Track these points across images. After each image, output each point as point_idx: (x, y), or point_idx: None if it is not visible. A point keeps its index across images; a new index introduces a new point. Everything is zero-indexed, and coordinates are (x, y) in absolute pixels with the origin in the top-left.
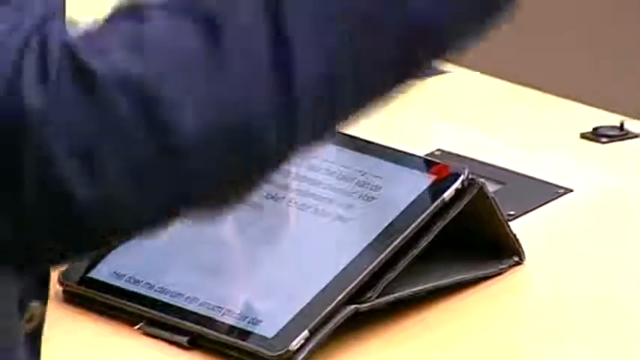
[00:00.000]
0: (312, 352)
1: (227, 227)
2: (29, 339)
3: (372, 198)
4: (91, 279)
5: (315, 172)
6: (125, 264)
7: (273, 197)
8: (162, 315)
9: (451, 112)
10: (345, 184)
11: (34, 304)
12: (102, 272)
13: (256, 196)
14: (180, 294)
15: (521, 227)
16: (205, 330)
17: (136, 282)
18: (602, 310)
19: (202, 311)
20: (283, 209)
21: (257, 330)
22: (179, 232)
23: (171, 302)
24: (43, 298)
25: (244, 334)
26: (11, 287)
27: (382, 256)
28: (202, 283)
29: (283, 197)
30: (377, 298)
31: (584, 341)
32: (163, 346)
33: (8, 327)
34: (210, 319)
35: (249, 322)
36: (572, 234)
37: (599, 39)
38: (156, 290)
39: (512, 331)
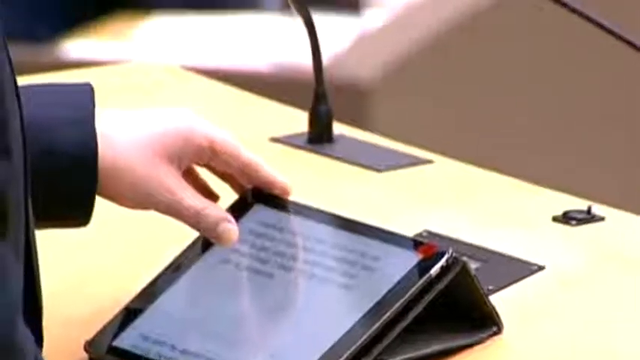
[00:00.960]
0: None
1: (243, 295)
2: None
3: (369, 271)
4: (117, 347)
5: (320, 245)
6: (151, 329)
7: (284, 268)
8: None
9: (436, 198)
10: (345, 260)
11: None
12: (129, 338)
13: (270, 267)
14: (199, 355)
15: (499, 300)
16: None
17: (161, 343)
18: None
19: None
20: (292, 279)
21: None
22: (200, 300)
23: None
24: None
25: None
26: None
27: (376, 326)
28: (219, 348)
29: (293, 268)
30: None
31: None
32: None
33: None
34: None
35: None
36: (544, 307)
37: (571, 137)
38: (179, 351)
39: None
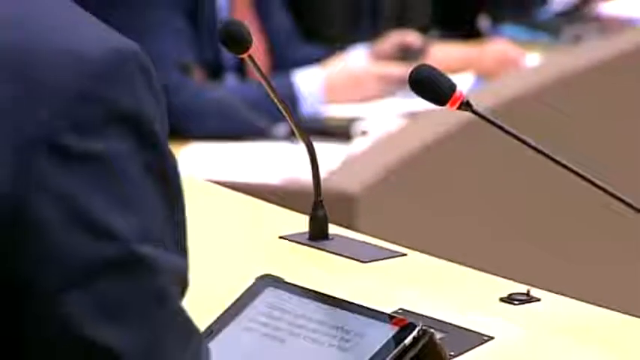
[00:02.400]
0: None
1: (261, 355)
2: None
3: (356, 339)
4: None
5: (318, 318)
6: None
7: (292, 334)
8: None
9: (409, 283)
10: (337, 330)
11: None
12: None
13: (281, 334)
14: None
15: None
16: None
17: None
18: None
19: None
20: (301, 342)
21: None
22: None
23: None
24: None
25: None
26: None
27: None
28: None
29: (299, 335)
30: None
31: None
32: None
33: None
34: None
35: None
36: None
37: (513, 235)
38: None
39: None
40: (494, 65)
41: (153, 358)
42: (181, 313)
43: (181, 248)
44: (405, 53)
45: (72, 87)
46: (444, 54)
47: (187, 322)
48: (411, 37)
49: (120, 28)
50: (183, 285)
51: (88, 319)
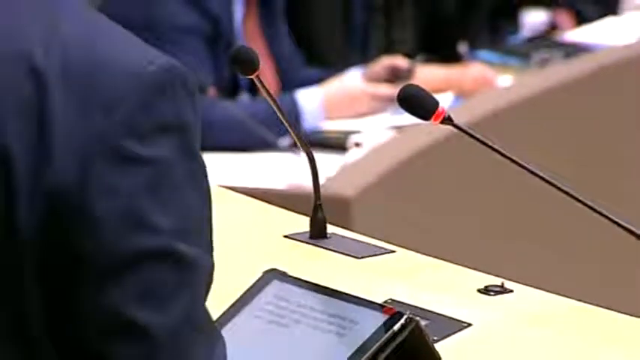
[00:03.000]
0: None
1: (269, 338)
2: None
3: (351, 326)
4: None
5: (318, 306)
6: None
7: (295, 321)
8: None
9: (397, 276)
10: (335, 317)
11: None
12: None
13: (286, 320)
14: None
15: (440, 347)
16: None
17: None
18: None
19: None
20: (310, 326)
21: None
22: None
23: None
24: None
25: None
26: None
27: None
28: None
29: (300, 321)
30: None
31: None
32: None
33: None
34: None
35: None
36: (472, 351)
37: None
38: None
39: None
40: (472, 85)
41: (179, 342)
42: (206, 311)
43: (211, 248)
44: (394, 75)
45: (130, 100)
46: (428, 75)
47: (210, 321)
48: (399, 61)
49: None
50: (209, 282)
51: (130, 301)
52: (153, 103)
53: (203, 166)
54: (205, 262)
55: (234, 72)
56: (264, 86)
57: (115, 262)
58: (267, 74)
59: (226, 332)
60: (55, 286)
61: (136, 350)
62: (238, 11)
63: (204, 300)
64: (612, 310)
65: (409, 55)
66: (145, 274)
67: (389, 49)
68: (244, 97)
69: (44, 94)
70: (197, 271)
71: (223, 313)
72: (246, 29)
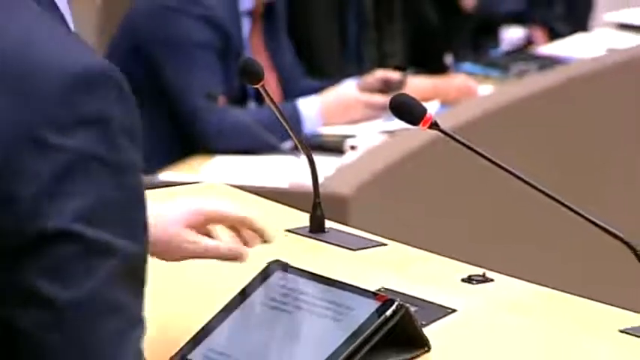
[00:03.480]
0: None
1: (272, 323)
2: None
3: (347, 312)
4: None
5: (317, 294)
6: (213, 347)
7: (296, 307)
8: None
9: (389, 266)
10: (332, 304)
11: None
12: (198, 354)
13: (288, 307)
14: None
15: (428, 331)
16: None
17: (220, 354)
18: None
19: None
20: (310, 312)
21: None
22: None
23: None
24: None
25: None
26: None
27: (352, 347)
28: (257, 355)
29: (301, 307)
30: None
31: None
32: None
33: None
34: None
35: None
36: (456, 335)
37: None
38: (228, 356)
39: None
40: (456, 94)
41: (85, 318)
42: (128, 294)
43: (134, 238)
44: (386, 86)
45: (54, 95)
46: (416, 85)
47: (132, 305)
48: (391, 74)
49: (162, 64)
50: (135, 268)
51: (38, 276)
52: (75, 99)
53: (127, 160)
54: (123, 248)
55: (243, 82)
56: (268, 95)
57: (24, 241)
58: (271, 84)
59: (234, 317)
60: None
61: (41, 320)
62: (245, 27)
63: (128, 284)
64: (589, 299)
65: (400, 67)
66: (53, 253)
67: (381, 61)
68: (252, 105)
69: None
70: (110, 255)
71: (231, 300)
72: (252, 43)
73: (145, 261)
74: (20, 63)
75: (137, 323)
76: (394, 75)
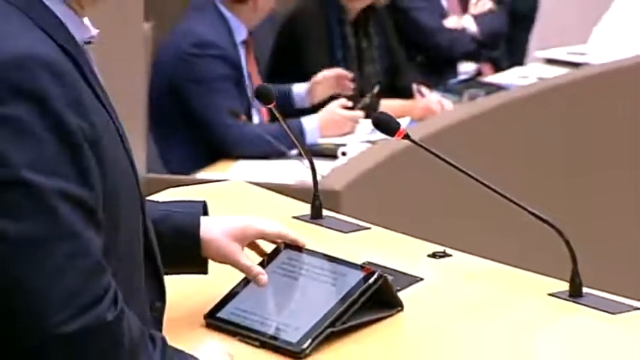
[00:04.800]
0: (312, 350)
1: (283, 287)
2: (154, 321)
3: (340, 279)
4: (220, 317)
5: (318, 264)
6: (239, 307)
7: (303, 275)
8: (251, 334)
9: (371, 245)
10: (329, 273)
11: (158, 304)
12: (226, 312)
13: (295, 275)
14: (263, 317)
15: (401, 294)
16: (268, 340)
17: (245, 312)
18: (450, 342)
19: (266, 329)
20: (311, 279)
21: (289, 338)
22: (264, 291)
23: (254, 327)
24: (163, 300)
25: (284, 341)
26: (145, 298)
27: (344, 306)
28: (272, 314)
29: (306, 275)
30: (338, 327)
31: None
32: (247, 346)
33: (145, 316)
34: (265, 331)
35: (286, 334)
36: (422, 297)
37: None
38: (254, 317)
39: (396, 340)
40: (422, 113)
41: (35, 246)
42: (59, 218)
43: (86, 184)
44: (337, 83)
45: None
46: (392, 106)
47: (77, 234)
48: (334, 71)
49: (191, 96)
50: (86, 208)
51: None
52: (13, 77)
53: (67, 125)
54: (62, 187)
55: (249, 103)
56: (278, 113)
57: None
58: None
59: (253, 284)
60: None
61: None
62: (242, 57)
63: (83, 216)
64: (527, 270)
65: (379, 88)
66: (4, 197)
67: (362, 81)
68: (256, 118)
69: None
70: (51, 192)
71: None
72: (249, 69)
73: (92, 198)
74: None
75: (90, 249)
76: (339, 72)
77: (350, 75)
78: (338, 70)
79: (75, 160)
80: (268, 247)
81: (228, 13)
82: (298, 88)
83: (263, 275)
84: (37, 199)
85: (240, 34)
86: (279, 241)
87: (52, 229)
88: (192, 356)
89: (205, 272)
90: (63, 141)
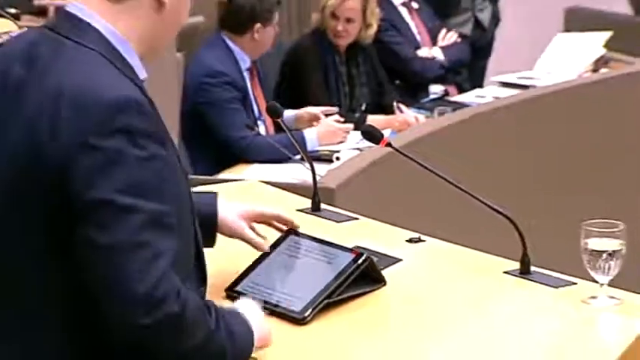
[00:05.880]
0: (312, 318)
1: (288, 265)
2: None
3: (334, 259)
4: (237, 290)
5: (315, 247)
6: (253, 281)
7: (304, 255)
8: (262, 302)
9: (359, 233)
10: (325, 254)
11: (201, 288)
12: (243, 285)
13: (299, 255)
14: (273, 290)
15: (385, 272)
16: (276, 309)
17: (258, 285)
18: (428, 311)
19: (275, 300)
20: (311, 259)
21: (294, 307)
22: (274, 268)
23: (265, 298)
24: (205, 285)
25: (289, 310)
26: (194, 283)
27: (338, 282)
28: (278, 288)
29: (306, 256)
30: (333, 298)
31: (424, 327)
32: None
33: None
34: (274, 302)
35: (291, 304)
36: (401, 275)
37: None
38: (265, 289)
39: (380, 309)
40: (401, 126)
41: (118, 252)
42: (150, 240)
43: (159, 200)
44: (315, 116)
45: (96, 114)
46: (377, 120)
47: (156, 243)
48: (313, 109)
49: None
50: (163, 221)
51: (86, 225)
52: (111, 117)
53: (154, 155)
54: (146, 207)
55: (255, 118)
56: (285, 125)
57: (79, 204)
58: (265, 117)
59: (265, 263)
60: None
61: (87, 255)
62: (248, 82)
63: (160, 229)
64: (487, 252)
65: (366, 107)
66: (95, 211)
67: (352, 102)
68: (262, 128)
69: (59, 115)
70: (135, 212)
71: (263, 253)
72: (254, 92)
73: (168, 214)
74: (80, 91)
75: (163, 255)
76: (316, 113)
77: (321, 115)
78: (317, 111)
79: (155, 182)
80: (272, 235)
81: (233, 46)
82: (287, 113)
83: (262, 244)
84: (124, 216)
85: (245, 63)
86: (275, 221)
87: (134, 239)
88: (236, 311)
89: (212, 246)
90: (147, 167)
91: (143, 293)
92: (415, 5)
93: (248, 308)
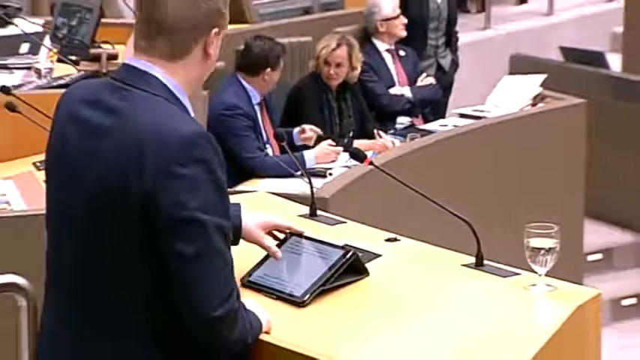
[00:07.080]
0: (310, 301)
1: (291, 260)
2: None
3: (327, 256)
4: (251, 280)
5: (312, 245)
6: (264, 272)
7: (304, 252)
8: (270, 290)
9: (348, 234)
10: (321, 251)
11: None
12: (256, 276)
13: (299, 251)
14: (280, 279)
15: (369, 265)
16: (281, 294)
17: (268, 276)
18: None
19: (280, 287)
20: (309, 254)
21: (295, 293)
22: (280, 262)
23: (273, 286)
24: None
25: (292, 295)
26: None
27: (330, 273)
28: (285, 279)
29: (307, 252)
30: (327, 286)
31: (404, 312)
32: (267, 298)
33: None
34: (280, 289)
35: (293, 290)
36: (381, 268)
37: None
38: (274, 279)
39: (365, 294)
40: (381, 148)
41: (201, 260)
42: (216, 242)
43: (225, 216)
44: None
45: (177, 148)
46: (362, 144)
47: (225, 252)
48: (346, 138)
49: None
50: (226, 232)
51: (174, 240)
52: (189, 149)
53: (220, 179)
54: (220, 222)
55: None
56: (288, 148)
57: (168, 222)
58: (273, 141)
59: (272, 258)
60: (151, 227)
61: (175, 265)
62: (258, 114)
63: (225, 240)
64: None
65: (353, 133)
66: (182, 227)
67: (341, 130)
68: (270, 151)
69: (143, 153)
70: (212, 226)
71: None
72: (264, 124)
73: (230, 228)
74: (160, 130)
75: (228, 262)
76: (313, 131)
77: (314, 137)
78: (312, 132)
79: (224, 202)
80: (280, 236)
81: (246, 84)
82: (308, 156)
83: (278, 252)
84: (204, 231)
85: (256, 98)
86: (287, 230)
87: (211, 250)
88: (250, 311)
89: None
90: (218, 190)
91: (218, 290)
92: (402, 53)
93: (252, 305)
